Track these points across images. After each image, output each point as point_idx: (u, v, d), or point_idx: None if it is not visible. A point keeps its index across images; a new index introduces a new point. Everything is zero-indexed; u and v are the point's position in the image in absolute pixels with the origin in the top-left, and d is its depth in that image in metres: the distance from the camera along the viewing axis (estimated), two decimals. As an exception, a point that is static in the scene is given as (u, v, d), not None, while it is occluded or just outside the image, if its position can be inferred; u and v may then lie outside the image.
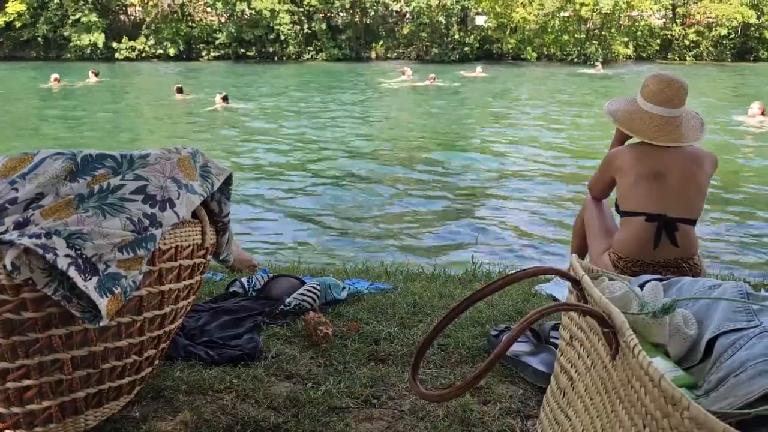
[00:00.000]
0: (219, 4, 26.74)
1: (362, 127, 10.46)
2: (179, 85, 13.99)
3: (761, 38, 26.98)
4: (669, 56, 27.38)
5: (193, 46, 27.28)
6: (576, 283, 1.15)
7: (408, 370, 1.66)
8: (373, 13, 29.02)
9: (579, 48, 25.84)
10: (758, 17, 26.40)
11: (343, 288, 2.18)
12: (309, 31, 27.83)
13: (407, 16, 28.35)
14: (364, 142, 8.99)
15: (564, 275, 1.14)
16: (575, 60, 25.51)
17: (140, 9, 28.36)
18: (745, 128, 9.70)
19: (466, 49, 26.82)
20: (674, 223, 2.94)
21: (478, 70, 20.13)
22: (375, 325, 1.91)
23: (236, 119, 11.12)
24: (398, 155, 8.14)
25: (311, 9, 27.64)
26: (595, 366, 1.12)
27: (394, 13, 29.12)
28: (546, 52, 26.73)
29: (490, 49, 27.17)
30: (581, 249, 3.47)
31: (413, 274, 2.80)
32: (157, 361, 1.51)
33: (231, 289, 2.24)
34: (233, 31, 26.77)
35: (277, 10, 26.47)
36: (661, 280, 1.36)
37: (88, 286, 1.26)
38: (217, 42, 26.91)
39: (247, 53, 27.30)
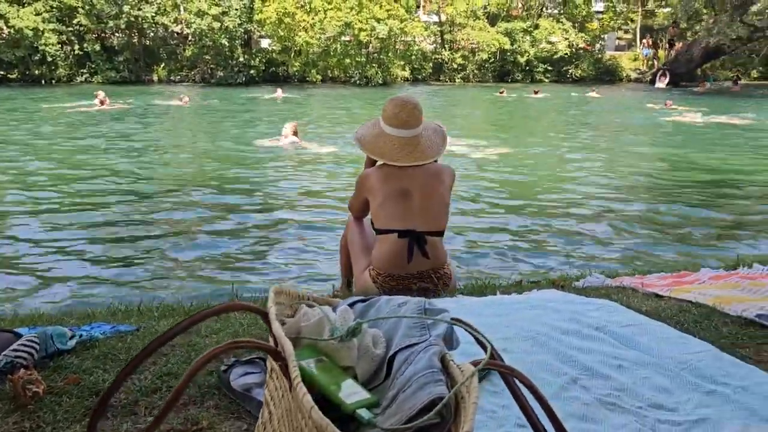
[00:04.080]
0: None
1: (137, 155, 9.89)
2: None
3: (516, 62, 30.42)
4: (441, 78, 29.74)
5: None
6: (265, 315, 1.16)
7: (128, 420, 1.56)
8: (152, 34, 27.74)
9: (360, 70, 27.02)
10: (512, 44, 29.75)
11: (72, 336, 1.99)
12: (81, 53, 25.81)
13: (189, 38, 27.52)
14: (141, 173, 8.50)
15: (253, 310, 1.14)
16: (357, 82, 26.63)
17: None
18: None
19: (252, 71, 26.71)
20: (423, 236, 3.15)
21: (279, 93, 20.38)
22: (101, 374, 1.77)
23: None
24: (178, 183, 7.81)
25: (82, 29, 25.67)
26: (284, 398, 1.13)
27: (175, 35, 28.11)
28: (330, 75, 27.57)
29: (276, 72, 27.35)
30: (348, 268, 3.59)
31: (171, 310, 2.66)
32: None
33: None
34: (-11, 51, 23.96)
35: (42, 29, 24.17)
36: (364, 301, 1.42)
37: None
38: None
39: (8, 75, 24.60)
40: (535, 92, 22.35)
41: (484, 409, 1.65)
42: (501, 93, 22.59)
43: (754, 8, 24.76)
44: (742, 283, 2.89)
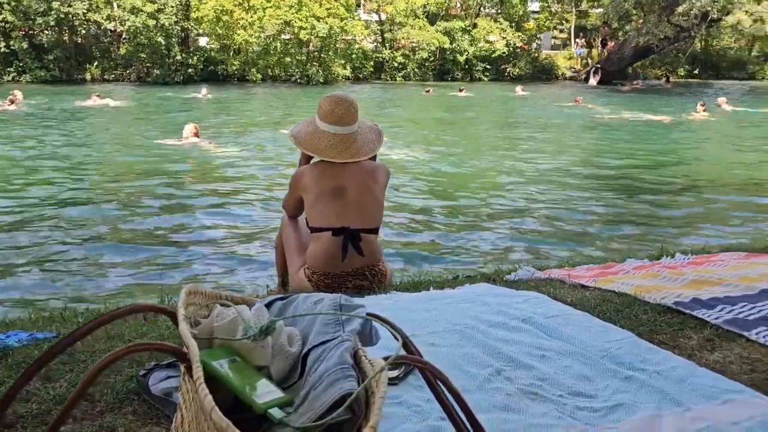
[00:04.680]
0: None
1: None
2: None
3: (455, 61, 30.79)
4: (382, 77, 29.83)
5: None
6: (173, 316, 1.13)
7: (39, 430, 1.50)
8: (84, 32, 26.81)
9: (301, 69, 26.83)
10: (451, 43, 30.11)
11: (-17, 346, 1.91)
12: (7, 50, 24.71)
13: (123, 35, 26.73)
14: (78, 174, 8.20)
15: (159, 310, 1.11)
16: (298, 81, 26.44)
17: None
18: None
19: (190, 70, 26.15)
20: (357, 234, 3.15)
21: (204, 92, 19.89)
22: (12, 383, 1.69)
23: None
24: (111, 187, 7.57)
25: (7, 26, 24.58)
26: (194, 400, 1.11)
27: (109, 33, 27.26)
28: (270, 74, 27.27)
29: (215, 71, 26.87)
30: (283, 267, 3.56)
31: (98, 315, 2.57)
32: None
33: None
34: None
35: (-39, 25, 23.08)
36: (283, 299, 1.41)
37: None
38: None
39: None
40: (460, 90, 22.63)
41: (408, 404, 1.66)
42: (427, 92, 22.79)
43: (679, 9, 25.80)
44: (663, 272, 3.00)
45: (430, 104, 20.03)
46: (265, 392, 1.11)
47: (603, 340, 2.11)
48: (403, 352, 1.19)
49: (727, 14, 26.02)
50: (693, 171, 9.29)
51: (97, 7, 25.77)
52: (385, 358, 1.09)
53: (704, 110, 15.99)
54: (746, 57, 36.27)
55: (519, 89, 23.32)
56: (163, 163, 8.86)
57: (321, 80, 26.51)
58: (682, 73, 34.46)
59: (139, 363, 1.85)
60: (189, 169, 8.76)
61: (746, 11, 25.07)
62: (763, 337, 2.20)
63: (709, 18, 26.23)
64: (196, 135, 9.91)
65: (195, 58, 26.53)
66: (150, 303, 1.07)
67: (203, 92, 19.90)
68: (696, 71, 35.09)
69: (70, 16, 25.08)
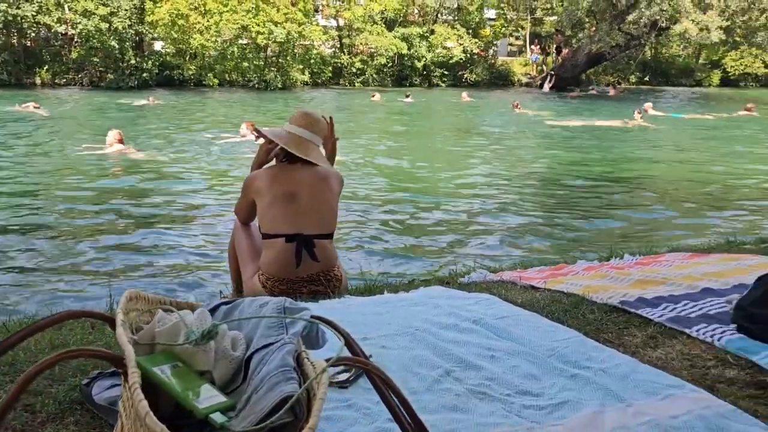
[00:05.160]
0: None
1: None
2: None
3: (413, 67, 31.00)
4: (341, 82, 29.81)
5: None
6: (111, 321, 1.12)
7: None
8: (33, 35, 26.08)
9: (259, 74, 26.62)
10: (409, 49, 30.30)
11: None
12: (-50, 53, 23.92)
13: (75, 39, 26.09)
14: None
15: (96, 316, 1.09)
16: (256, 86, 26.23)
17: None
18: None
19: (144, 75, 25.67)
20: (311, 239, 3.15)
21: (152, 99, 19.38)
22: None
23: None
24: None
25: (-48, 29, 23.80)
26: (133, 407, 1.09)
27: (60, 36, 26.57)
28: (228, 78, 26.98)
29: (170, 75, 26.44)
30: (238, 273, 3.53)
31: (31, 324, 2.50)
32: None
33: None
34: None
35: None
36: (228, 303, 1.40)
37: None
38: None
39: None
40: (407, 96, 22.74)
41: (358, 407, 1.66)
42: (373, 97, 22.87)
43: (630, 17, 26.50)
44: (611, 273, 3.08)
45: (375, 110, 20.02)
46: (207, 397, 1.11)
47: (551, 339, 2.16)
48: (346, 353, 1.20)
49: (675, 23, 26.83)
50: (637, 175, 9.54)
51: (47, 9, 25.10)
52: (328, 360, 1.10)
53: (641, 117, 16.49)
54: (693, 64, 37.45)
55: (465, 95, 23.51)
56: (88, 170, 8.63)
57: (279, 85, 26.34)
58: (633, 80, 35.36)
59: (83, 372, 1.81)
60: (113, 174, 8.57)
61: (693, 20, 25.88)
62: (703, 333, 2.27)
63: (657, 26, 27.00)
64: (120, 141, 9.73)
65: (150, 62, 26.06)
66: (86, 309, 1.04)
67: (150, 99, 19.28)
68: (647, 78, 36.06)
69: (19, 18, 24.38)
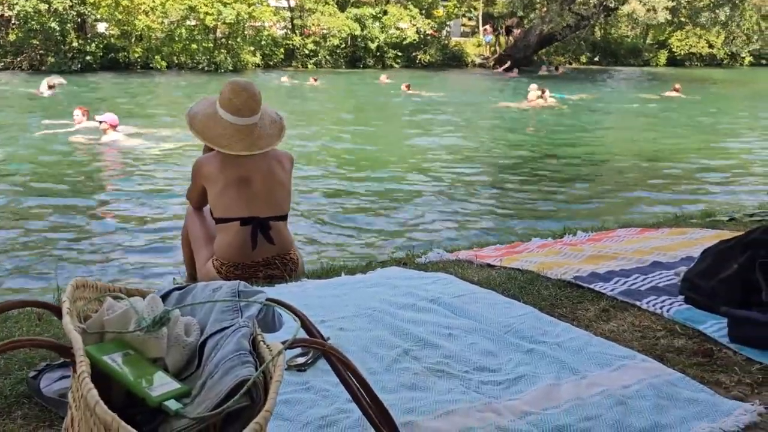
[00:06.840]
0: None
1: None
2: None
3: (367, 48, 30.76)
4: (293, 64, 29.39)
5: None
6: (56, 310, 1.07)
7: None
8: (-33, 16, 24.90)
9: (209, 56, 26.05)
10: (362, 30, 30.04)
11: None
12: None
13: (12, 21, 25.00)
14: None
15: (40, 305, 1.05)
16: (206, 68, 25.66)
17: None
18: None
19: (88, 58, 24.79)
20: (267, 222, 3.10)
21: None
22: None
23: None
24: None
25: None
26: (83, 397, 1.06)
27: (-4, 18, 25.44)
28: (176, 61, 26.31)
29: (116, 58, 25.62)
30: (191, 259, 3.45)
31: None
32: None
33: None
34: None
35: None
36: (180, 289, 1.37)
37: None
38: None
39: None
40: (314, 80, 22.46)
41: (317, 389, 1.65)
42: (283, 80, 22.56)
43: (579, -2, 26.87)
44: (564, 249, 3.13)
45: (285, 93, 19.54)
46: (160, 384, 1.08)
47: (507, 315, 2.19)
48: (303, 335, 1.18)
49: (623, 3, 27.31)
50: (576, 153, 9.71)
51: (-18, -10, 24.02)
52: (284, 342, 1.08)
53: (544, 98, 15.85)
54: (641, 45, 38.22)
55: (384, 78, 23.28)
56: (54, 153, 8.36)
57: (230, 68, 25.82)
58: (584, 60, 35.90)
59: (30, 364, 1.75)
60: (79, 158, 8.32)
61: (640, 1, 26.39)
62: (653, 305, 2.34)
63: (606, 7, 27.44)
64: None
65: (93, 45, 25.15)
66: (27, 299, 1.00)
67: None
68: (596, 58, 36.65)
69: (-49, -1, 23.26)
